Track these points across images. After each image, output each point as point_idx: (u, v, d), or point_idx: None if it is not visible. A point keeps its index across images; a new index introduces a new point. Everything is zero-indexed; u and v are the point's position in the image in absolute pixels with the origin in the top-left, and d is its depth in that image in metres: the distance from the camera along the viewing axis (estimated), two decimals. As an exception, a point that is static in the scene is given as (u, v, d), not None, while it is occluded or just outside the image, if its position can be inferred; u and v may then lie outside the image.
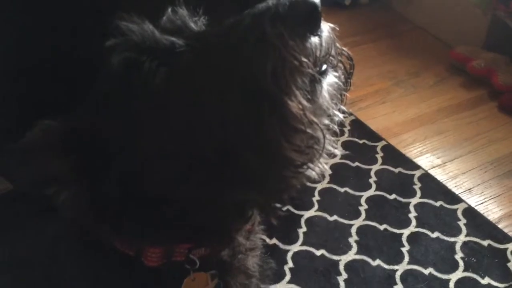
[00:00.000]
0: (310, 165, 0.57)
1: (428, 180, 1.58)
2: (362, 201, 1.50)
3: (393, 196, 1.52)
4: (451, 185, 1.58)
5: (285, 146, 0.54)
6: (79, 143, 0.62)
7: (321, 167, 0.59)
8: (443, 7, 2.23)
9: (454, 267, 1.33)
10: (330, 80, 0.61)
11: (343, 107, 0.64)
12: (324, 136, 0.57)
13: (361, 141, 1.72)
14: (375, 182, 1.57)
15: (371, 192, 1.53)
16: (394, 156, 1.67)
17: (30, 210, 0.94)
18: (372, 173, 1.59)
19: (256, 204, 0.65)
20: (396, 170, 1.61)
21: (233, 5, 0.65)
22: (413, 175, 1.59)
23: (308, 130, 0.55)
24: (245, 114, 0.54)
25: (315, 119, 0.55)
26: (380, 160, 1.64)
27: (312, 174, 0.58)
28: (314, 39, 0.57)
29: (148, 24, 0.62)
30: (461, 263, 1.33)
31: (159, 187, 0.62)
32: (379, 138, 1.73)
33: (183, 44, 0.60)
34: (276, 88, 0.53)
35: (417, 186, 1.56)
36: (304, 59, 0.54)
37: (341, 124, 0.64)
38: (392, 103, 1.92)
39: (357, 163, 1.63)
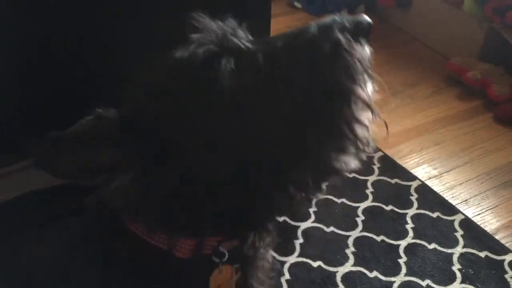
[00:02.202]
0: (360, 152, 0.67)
1: (425, 191, 1.58)
2: (359, 212, 1.50)
3: (390, 207, 1.52)
4: (448, 196, 1.57)
5: (352, 130, 0.64)
6: (134, 131, 0.64)
7: (361, 160, 0.68)
8: (439, 18, 2.25)
9: (451, 278, 1.32)
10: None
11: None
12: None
13: (357, 152, 1.71)
14: (371, 193, 1.56)
15: (368, 203, 1.53)
16: (390, 167, 1.67)
17: (28, 221, 0.94)
18: (368, 184, 1.59)
19: (301, 183, 0.68)
20: (393, 181, 1.61)
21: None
22: (410, 186, 1.59)
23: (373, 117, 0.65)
24: (321, 106, 0.62)
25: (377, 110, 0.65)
26: (376, 171, 1.64)
27: (356, 164, 0.68)
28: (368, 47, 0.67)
29: (221, 24, 0.67)
30: (458, 274, 1.33)
31: (219, 175, 0.64)
32: (375, 149, 1.73)
33: (253, 47, 0.65)
34: (351, 83, 0.63)
35: (414, 197, 1.55)
36: (367, 63, 0.65)
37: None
38: (388, 114, 1.92)
39: (353, 174, 1.63)
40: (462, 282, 1.31)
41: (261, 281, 0.84)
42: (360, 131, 0.65)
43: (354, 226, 1.45)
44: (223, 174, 0.64)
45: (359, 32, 0.64)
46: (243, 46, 0.65)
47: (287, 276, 1.30)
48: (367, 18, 0.66)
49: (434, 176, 1.65)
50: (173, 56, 0.65)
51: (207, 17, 0.68)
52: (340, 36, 0.63)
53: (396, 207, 1.52)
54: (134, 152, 0.64)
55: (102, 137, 0.63)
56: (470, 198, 1.57)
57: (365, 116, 0.65)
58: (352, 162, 0.67)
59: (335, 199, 1.53)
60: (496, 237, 1.44)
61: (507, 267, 1.35)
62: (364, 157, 0.68)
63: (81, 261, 0.74)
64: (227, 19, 0.69)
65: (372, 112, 0.65)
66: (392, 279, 1.31)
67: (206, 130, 0.63)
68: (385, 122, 0.69)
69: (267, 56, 0.64)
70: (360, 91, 0.63)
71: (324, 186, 0.70)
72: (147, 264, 0.73)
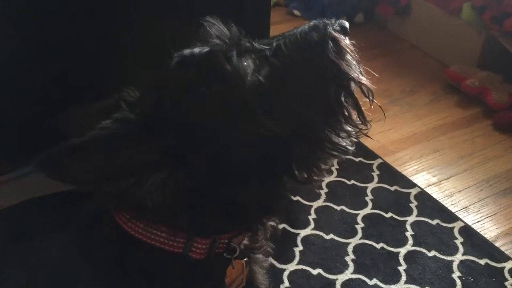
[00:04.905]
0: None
1: (424, 198, 1.58)
2: (359, 219, 1.49)
3: (389, 215, 1.51)
4: (447, 203, 1.57)
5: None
6: (160, 128, 0.65)
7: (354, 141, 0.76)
8: (437, 26, 2.26)
9: (451, 286, 1.31)
10: None
11: None
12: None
13: (357, 159, 1.72)
14: (371, 200, 1.56)
15: (368, 210, 1.53)
16: (390, 174, 1.67)
17: (29, 228, 0.93)
18: (368, 191, 1.59)
19: (304, 162, 0.73)
20: (392, 188, 1.61)
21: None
22: (409, 193, 1.59)
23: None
24: (326, 91, 0.71)
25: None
26: (376, 178, 1.64)
27: (348, 144, 0.75)
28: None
29: (230, 26, 0.75)
30: (458, 282, 1.32)
31: (241, 167, 0.69)
32: (375, 156, 1.73)
33: (259, 46, 0.73)
34: (353, 71, 0.74)
35: (414, 204, 1.55)
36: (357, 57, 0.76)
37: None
38: (387, 121, 1.93)
39: (353, 181, 1.63)
40: (462, 289, 1.31)
41: (262, 274, 0.88)
42: (357, 112, 0.75)
43: (353, 233, 1.45)
44: (244, 162, 0.68)
45: (344, 31, 0.76)
46: (251, 46, 0.73)
47: (286, 283, 1.29)
48: (345, 21, 0.78)
49: (434, 184, 1.65)
50: (193, 54, 0.69)
51: (218, 20, 0.75)
52: (336, 34, 0.74)
53: (395, 214, 1.51)
54: (164, 151, 0.65)
55: (129, 139, 0.64)
56: (469, 206, 1.57)
57: (362, 99, 0.75)
58: (346, 141, 0.75)
59: (335, 207, 1.53)
60: (496, 244, 1.44)
61: (507, 275, 1.35)
62: (357, 138, 0.77)
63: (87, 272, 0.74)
64: (230, 25, 0.75)
65: (370, 95, 0.76)
66: (392, 286, 1.30)
67: (231, 124, 0.67)
68: (381, 108, 0.80)
69: (274, 53, 0.72)
70: (361, 77, 0.74)
71: (323, 168, 0.75)
72: (162, 271, 0.73)
